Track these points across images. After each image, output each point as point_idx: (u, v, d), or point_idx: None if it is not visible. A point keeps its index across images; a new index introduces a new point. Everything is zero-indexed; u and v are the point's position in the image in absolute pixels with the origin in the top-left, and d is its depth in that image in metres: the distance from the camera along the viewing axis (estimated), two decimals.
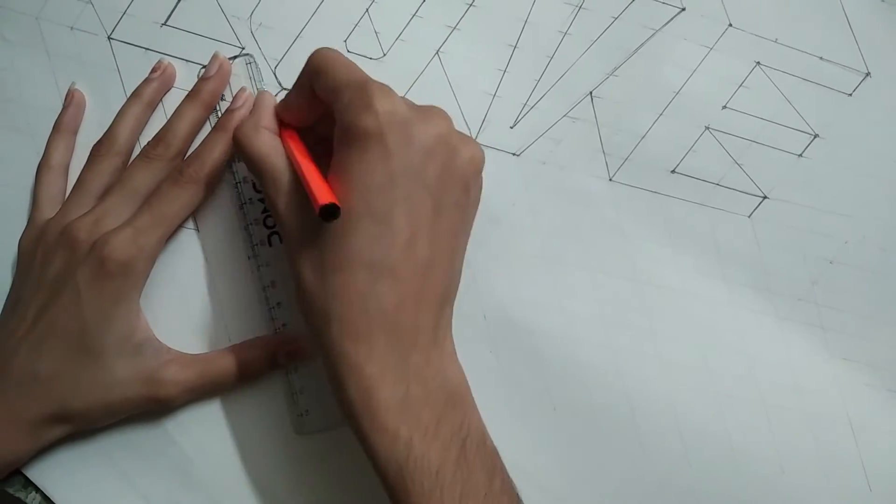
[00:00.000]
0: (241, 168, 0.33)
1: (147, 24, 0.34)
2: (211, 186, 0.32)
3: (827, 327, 0.33)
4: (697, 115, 0.33)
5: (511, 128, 0.34)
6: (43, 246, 0.32)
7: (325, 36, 0.33)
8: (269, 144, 0.28)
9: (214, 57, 0.33)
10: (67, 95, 0.34)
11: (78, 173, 0.33)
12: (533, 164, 0.33)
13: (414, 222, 0.26)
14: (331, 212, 0.24)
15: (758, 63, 0.33)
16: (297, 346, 0.32)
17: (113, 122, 0.33)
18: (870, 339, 0.33)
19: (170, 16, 0.34)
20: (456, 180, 0.27)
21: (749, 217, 0.33)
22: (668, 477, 0.33)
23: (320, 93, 0.28)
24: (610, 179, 0.33)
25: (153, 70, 0.33)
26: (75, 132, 0.34)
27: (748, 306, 0.33)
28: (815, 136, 0.33)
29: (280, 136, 0.30)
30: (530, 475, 0.32)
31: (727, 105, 0.33)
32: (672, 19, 0.33)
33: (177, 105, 0.33)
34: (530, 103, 0.33)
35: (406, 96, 0.33)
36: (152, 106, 0.33)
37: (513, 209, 0.33)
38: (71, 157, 0.34)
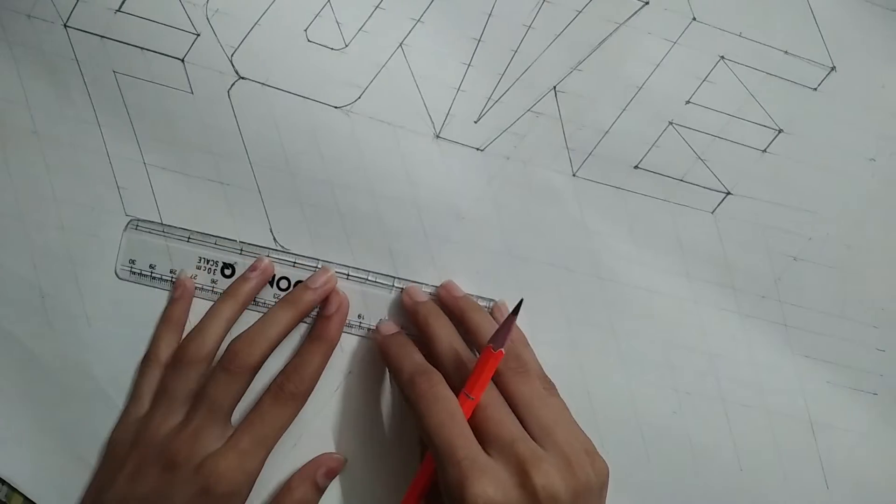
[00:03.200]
0: (267, 294, 0.33)
1: (101, 11, 0.33)
2: (308, 396, 0.31)
3: (790, 324, 0.33)
4: (661, 110, 0.33)
5: (475, 122, 0.33)
6: (137, 456, 0.31)
7: (285, 24, 0.33)
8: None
9: (324, 269, 0.33)
10: (178, 286, 0.33)
11: None
12: (497, 159, 0.33)
13: None
14: None
15: (722, 57, 0.33)
16: (333, 462, 0.32)
17: (203, 322, 0.32)
18: (832, 337, 0.33)
19: (124, 1, 0.33)
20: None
21: (712, 213, 0.33)
22: (627, 472, 0.32)
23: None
24: (573, 174, 0.33)
25: (252, 268, 0.32)
26: (184, 325, 0.33)
27: (711, 303, 0.33)
28: (780, 131, 0.33)
29: None
30: None
31: (691, 100, 0.33)
32: (636, 13, 0.33)
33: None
34: (494, 97, 0.33)
35: (369, 88, 0.33)
36: (245, 306, 0.32)
37: (476, 204, 0.33)
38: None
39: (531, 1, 0.33)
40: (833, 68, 0.33)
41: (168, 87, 0.33)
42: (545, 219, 0.33)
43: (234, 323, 0.32)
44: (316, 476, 0.32)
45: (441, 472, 0.26)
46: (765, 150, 0.33)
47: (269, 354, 0.31)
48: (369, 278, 0.33)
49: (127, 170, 0.33)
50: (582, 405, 0.33)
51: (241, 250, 0.33)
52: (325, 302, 0.32)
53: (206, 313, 0.32)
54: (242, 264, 0.33)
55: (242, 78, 0.33)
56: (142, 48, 0.33)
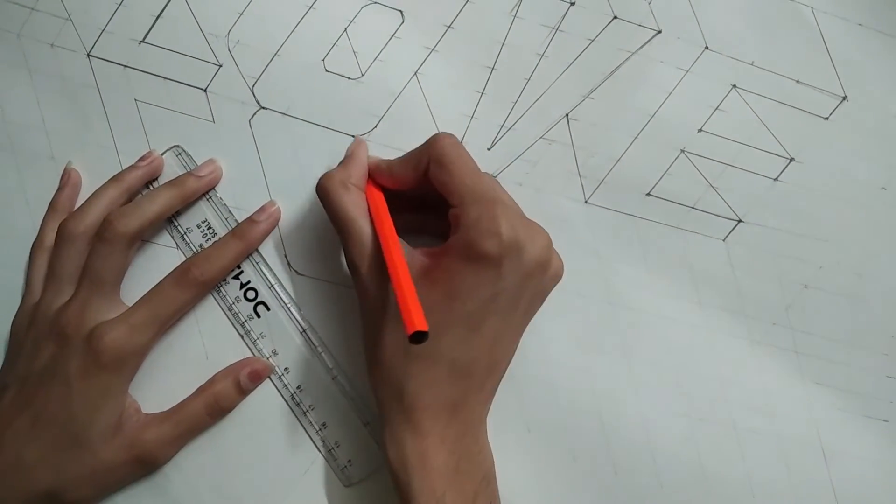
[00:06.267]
0: None
1: (125, 42, 0.34)
2: (211, 289, 0.33)
3: (801, 351, 0.33)
4: (673, 138, 0.33)
5: (488, 149, 0.34)
6: (33, 334, 0.32)
7: (304, 54, 0.33)
8: (358, 205, 0.29)
9: (210, 161, 0.33)
10: (63, 175, 0.34)
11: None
12: (509, 186, 0.33)
13: (499, 330, 0.28)
14: (421, 337, 0.25)
15: (734, 86, 0.33)
16: (259, 366, 0.33)
17: (87, 201, 0.32)
18: (843, 364, 0.33)
19: (147, 33, 0.34)
20: (540, 295, 0.29)
21: (724, 240, 0.33)
22: (639, 499, 0.33)
23: (437, 182, 0.28)
24: (585, 202, 0.33)
25: (141, 158, 0.33)
26: (70, 212, 0.33)
27: (722, 330, 0.33)
28: (791, 159, 0.33)
29: (366, 194, 0.30)
30: (503, 496, 0.32)
31: (703, 128, 0.33)
32: (648, 42, 0.33)
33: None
34: (507, 125, 0.33)
35: (385, 117, 0.34)
36: (130, 192, 0.33)
37: None
38: None
39: (544, 30, 0.33)
40: (844, 98, 0.33)
41: (190, 115, 0.34)
42: (557, 245, 0.33)
43: (117, 206, 0.32)
44: (240, 375, 0.32)
45: (471, 216, 0.27)
46: (776, 179, 0.33)
47: (147, 229, 0.32)
48: None
49: None
50: (594, 431, 0.33)
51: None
52: (259, 210, 0.33)
53: (91, 195, 0.33)
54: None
55: (263, 108, 0.34)
56: (165, 78, 0.34)
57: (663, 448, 0.33)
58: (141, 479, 0.32)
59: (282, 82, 0.33)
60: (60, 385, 0.30)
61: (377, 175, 0.31)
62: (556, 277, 0.29)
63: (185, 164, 0.34)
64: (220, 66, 0.34)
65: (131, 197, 0.33)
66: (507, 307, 0.28)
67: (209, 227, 0.33)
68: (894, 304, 0.33)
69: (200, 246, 0.33)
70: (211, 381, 0.33)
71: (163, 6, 0.33)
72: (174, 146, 0.34)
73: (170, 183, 0.33)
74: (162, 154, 0.34)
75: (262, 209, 0.33)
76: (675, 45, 0.33)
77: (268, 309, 0.33)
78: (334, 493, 0.33)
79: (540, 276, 0.28)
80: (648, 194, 0.33)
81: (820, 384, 0.33)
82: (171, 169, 0.34)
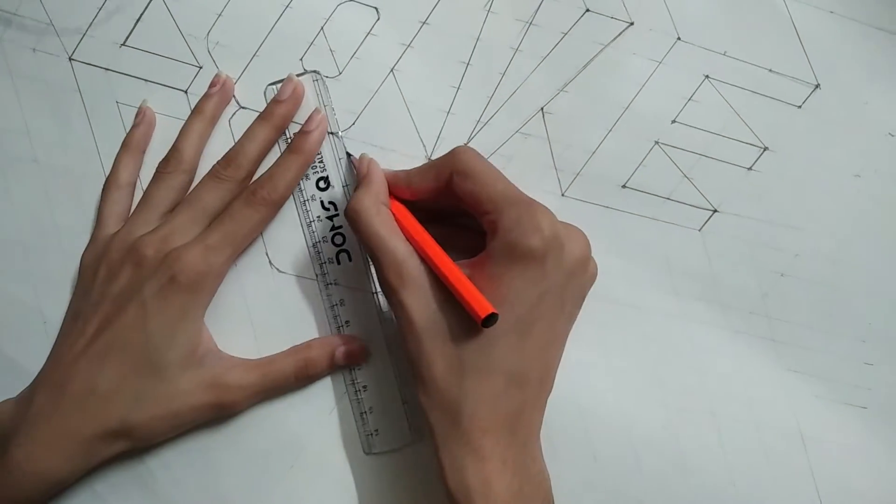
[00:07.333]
0: (307, 186, 0.33)
1: (107, 45, 0.34)
2: (280, 207, 0.33)
3: (778, 340, 0.33)
4: (647, 130, 0.33)
5: (465, 145, 0.34)
6: (107, 261, 0.32)
7: (282, 54, 0.34)
8: (389, 224, 0.29)
9: (288, 79, 0.33)
10: (138, 113, 0.34)
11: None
12: None
13: (547, 335, 0.28)
14: (492, 320, 0.26)
15: (707, 76, 0.33)
16: (356, 347, 0.33)
17: (177, 139, 0.33)
18: (821, 352, 0.33)
19: (128, 36, 0.34)
20: (580, 297, 0.29)
21: (700, 231, 0.34)
22: (619, 487, 0.33)
23: (463, 193, 0.29)
24: (562, 195, 0.34)
25: (211, 85, 0.34)
26: (144, 150, 0.34)
27: (700, 319, 0.33)
28: (765, 148, 0.33)
29: (393, 210, 0.30)
30: None
31: (676, 119, 0.33)
32: (621, 34, 0.33)
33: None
34: (483, 120, 0.34)
35: (363, 114, 0.34)
36: (214, 121, 0.34)
37: None
38: (138, 175, 0.34)
39: (518, 24, 0.33)
40: (817, 86, 0.33)
41: (171, 116, 0.34)
42: None
43: (207, 140, 0.33)
44: (336, 349, 0.32)
45: (511, 218, 0.27)
46: (750, 168, 0.33)
47: (255, 170, 0.33)
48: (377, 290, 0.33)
49: None
50: (573, 421, 0.33)
51: None
52: (307, 120, 0.33)
53: (179, 133, 0.33)
54: None
55: (243, 108, 0.34)
56: (146, 80, 0.34)
57: (642, 438, 0.33)
58: (209, 425, 0.32)
59: (261, 82, 0.34)
60: (136, 307, 0.30)
61: (395, 187, 0.31)
62: (593, 278, 0.29)
63: (319, 91, 0.33)
64: (201, 67, 0.34)
65: (214, 123, 0.33)
66: (552, 309, 0.28)
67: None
68: (870, 291, 0.33)
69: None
70: (307, 346, 0.33)
71: (142, 9, 0.34)
72: (313, 71, 0.33)
73: (261, 118, 0.33)
74: (298, 76, 0.33)
75: (310, 119, 0.33)
76: (647, 36, 0.33)
77: (349, 259, 0.33)
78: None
79: (581, 275, 0.28)
80: (624, 186, 0.34)
81: (798, 372, 0.33)
82: (305, 97, 0.34)
